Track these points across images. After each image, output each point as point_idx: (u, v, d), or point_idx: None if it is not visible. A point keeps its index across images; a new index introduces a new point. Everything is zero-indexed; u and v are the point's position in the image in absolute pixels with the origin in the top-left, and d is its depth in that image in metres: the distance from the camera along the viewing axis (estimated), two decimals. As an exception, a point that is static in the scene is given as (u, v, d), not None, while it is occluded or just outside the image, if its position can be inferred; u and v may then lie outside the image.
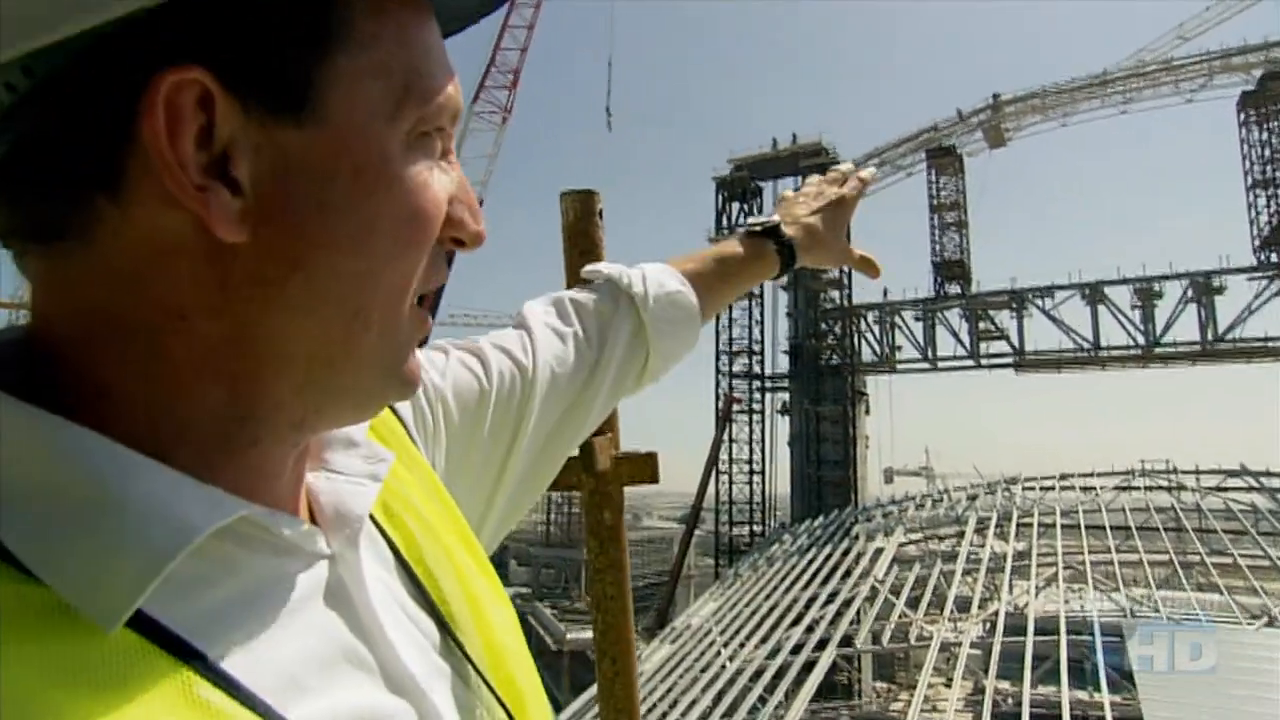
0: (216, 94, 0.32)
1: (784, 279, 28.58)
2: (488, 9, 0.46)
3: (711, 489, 28.29)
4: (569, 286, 0.75)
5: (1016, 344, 25.60)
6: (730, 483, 28.62)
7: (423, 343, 0.44)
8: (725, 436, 28.45)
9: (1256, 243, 23.85)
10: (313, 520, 0.43)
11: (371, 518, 0.46)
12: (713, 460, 28.10)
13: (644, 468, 0.69)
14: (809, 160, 28.08)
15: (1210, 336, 23.42)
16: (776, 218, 0.91)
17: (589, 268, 0.81)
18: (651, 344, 0.80)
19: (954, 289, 26.94)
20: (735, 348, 29.07)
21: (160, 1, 0.30)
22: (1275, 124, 23.88)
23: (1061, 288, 25.09)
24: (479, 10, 0.45)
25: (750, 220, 0.91)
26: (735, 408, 28.54)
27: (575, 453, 0.70)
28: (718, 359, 29.11)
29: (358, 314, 0.37)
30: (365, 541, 0.43)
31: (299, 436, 0.40)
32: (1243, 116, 24.74)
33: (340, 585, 0.41)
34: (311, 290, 0.36)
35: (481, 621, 0.49)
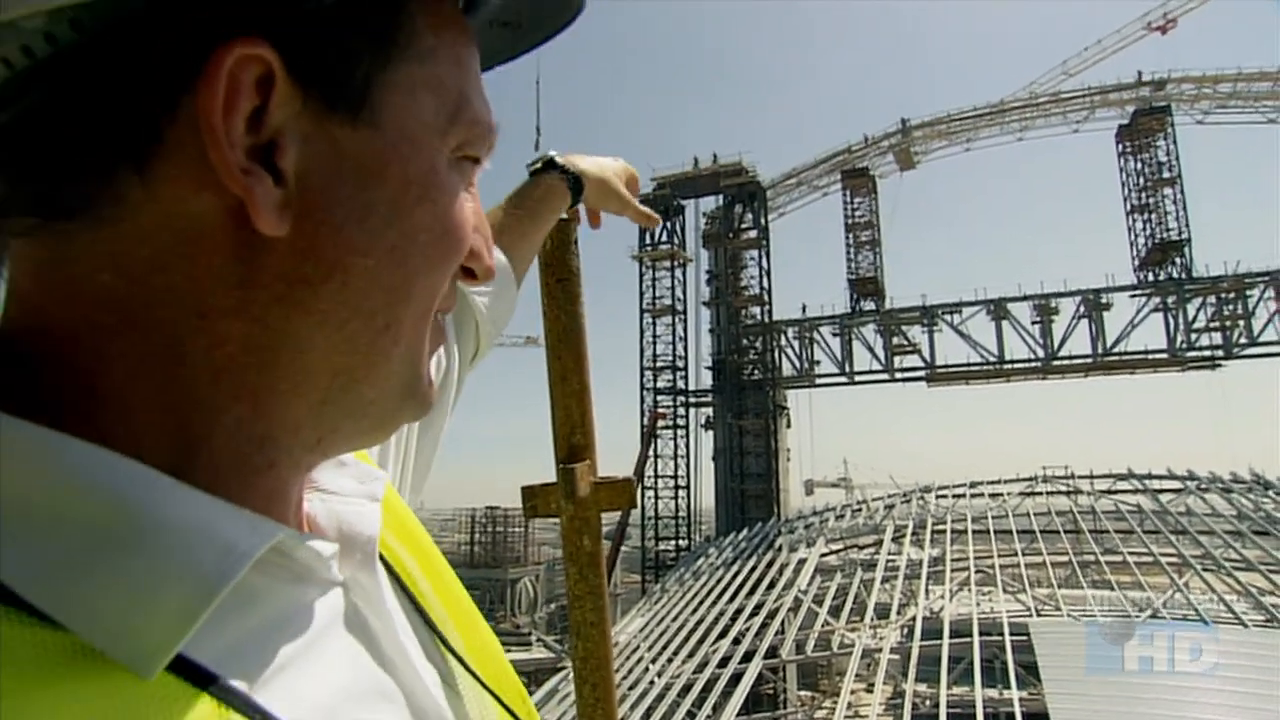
0: (279, 76, 0.30)
1: (706, 295, 29.07)
2: (503, 58, 0.47)
3: (637, 504, 28.31)
4: (546, 313, 0.75)
5: (928, 358, 26.79)
6: (656, 498, 28.70)
7: None
8: (650, 452, 28.56)
9: (1136, 263, 25.84)
10: None
11: None
12: (638, 476, 28.15)
13: (622, 493, 0.70)
14: (730, 179, 28.73)
15: (1100, 350, 25.16)
16: (552, 153, 0.91)
17: None
18: (479, 315, 0.82)
19: (869, 305, 28.00)
20: (659, 364, 29.30)
21: None
22: (1147, 155, 25.99)
23: (969, 304, 26.46)
24: (496, 57, 0.46)
25: (528, 164, 0.92)
26: (660, 423, 28.71)
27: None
28: (642, 375, 29.26)
29: (388, 328, 0.35)
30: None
31: (314, 460, 0.38)
32: (1120, 147, 26.83)
33: (356, 612, 0.38)
34: (345, 299, 0.33)
35: (476, 638, 0.48)
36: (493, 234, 0.81)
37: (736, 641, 14.70)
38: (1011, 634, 12.76)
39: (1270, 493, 18.82)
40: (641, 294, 29.56)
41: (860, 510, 23.39)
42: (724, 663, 13.91)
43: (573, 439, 0.72)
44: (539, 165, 0.90)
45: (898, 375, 27.19)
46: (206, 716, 0.27)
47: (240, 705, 0.28)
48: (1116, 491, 21.37)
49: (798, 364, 28.16)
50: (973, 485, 23.19)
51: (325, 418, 0.35)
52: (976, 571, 16.35)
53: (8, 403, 0.28)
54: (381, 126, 0.33)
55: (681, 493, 28.69)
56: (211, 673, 0.28)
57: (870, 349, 27.38)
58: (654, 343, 29.33)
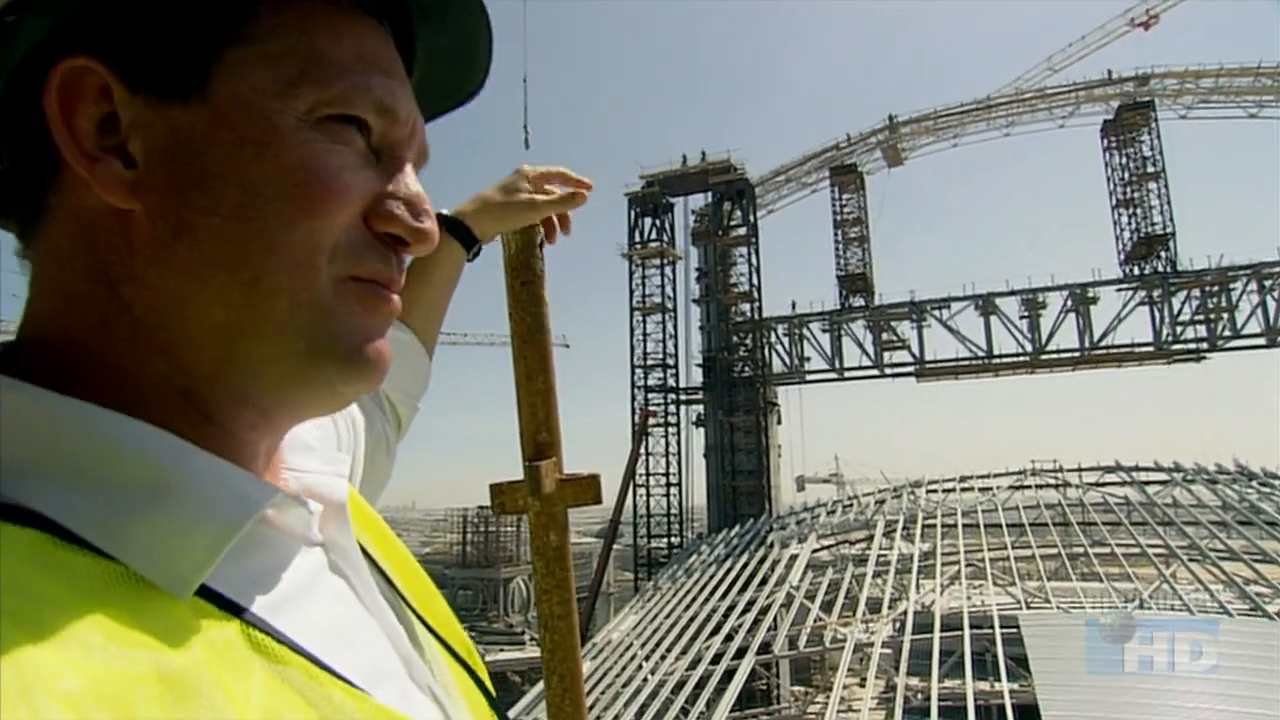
0: (111, 81, 0.37)
1: (696, 293, 29.11)
2: (464, 95, 0.52)
3: (629, 502, 28.33)
4: (511, 315, 0.77)
5: (917, 353, 26.92)
6: (648, 495, 28.72)
7: None
8: (642, 450, 28.58)
9: (1121, 257, 26.04)
10: None
11: None
12: (630, 474, 28.14)
13: (588, 489, 0.71)
14: (718, 177, 28.77)
15: (1087, 343, 25.34)
16: (441, 211, 0.89)
17: None
18: (385, 387, 0.83)
19: (858, 301, 28.10)
20: (650, 362, 29.32)
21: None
22: (1132, 150, 26.20)
23: (957, 299, 26.58)
24: (455, 96, 0.52)
25: None
26: (651, 421, 28.74)
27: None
28: (633, 373, 29.28)
29: (257, 280, 0.38)
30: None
31: (262, 420, 0.42)
32: (1105, 143, 27.03)
33: (336, 567, 0.45)
34: (199, 255, 0.37)
35: (428, 597, 0.55)
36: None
37: (729, 638, 14.75)
38: (1002, 627, 12.87)
39: (1254, 483, 19.05)
40: (631, 292, 29.59)
41: (851, 506, 23.50)
42: (717, 659, 13.96)
43: (539, 437, 0.74)
44: None
45: (887, 371, 27.31)
46: (231, 631, 0.34)
47: (257, 622, 0.36)
48: (1104, 484, 21.56)
49: (788, 360, 28.25)
50: (962, 479, 23.33)
51: (234, 371, 0.39)
52: (967, 565, 16.47)
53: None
54: (211, 100, 0.38)
55: (673, 490, 28.75)
56: (232, 599, 0.36)
57: (860, 345, 27.50)
58: (644, 341, 29.37)
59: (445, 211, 0.88)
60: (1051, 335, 25.69)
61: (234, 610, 0.35)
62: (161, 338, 0.38)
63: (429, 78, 0.49)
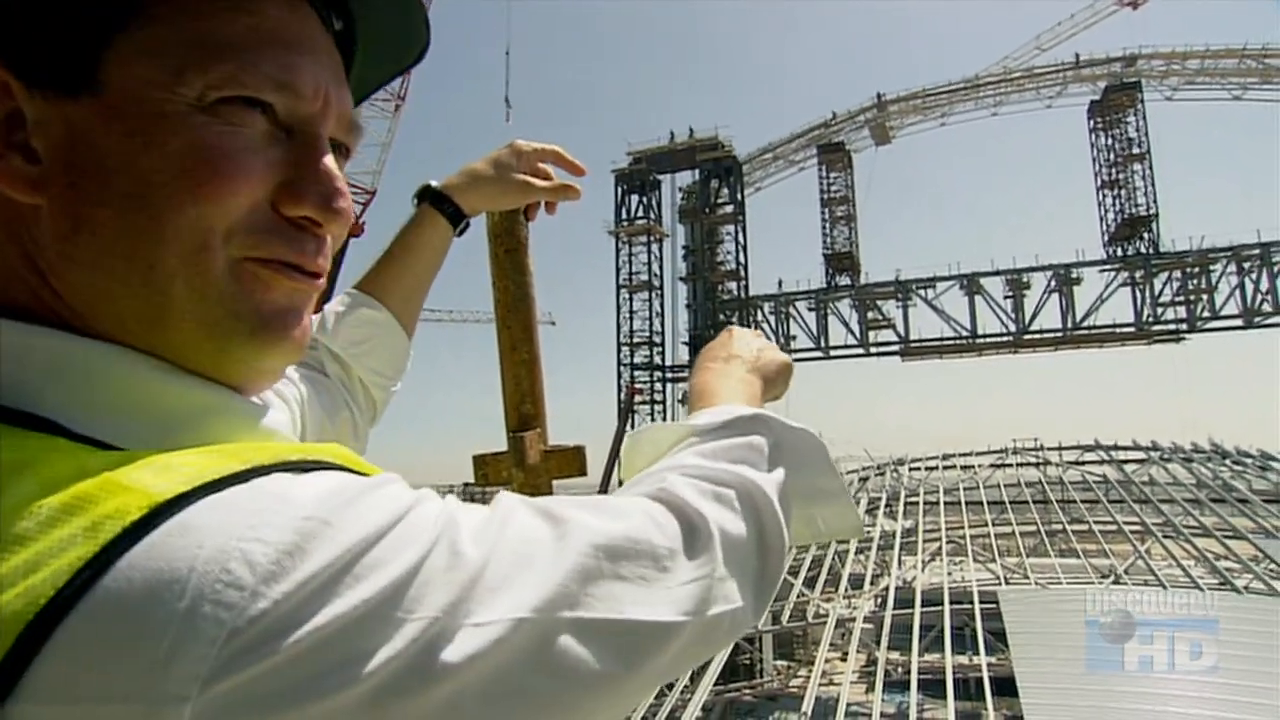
0: (10, 81, 0.38)
1: (682, 271, 29.06)
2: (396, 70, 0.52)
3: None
4: (495, 283, 0.75)
5: (902, 332, 27.06)
6: (634, 473, 28.82)
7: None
8: (627, 427, 28.61)
9: (1105, 238, 26.22)
10: None
11: None
12: (615, 452, 28.19)
13: (572, 461, 0.71)
14: (706, 154, 28.58)
15: (1070, 324, 25.57)
16: (430, 182, 0.88)
17: None
18: (356, 368, 0.80)
19: (844, 280, 28.15)
20: (636, 339, 29.28)
21: None
22: (1117, 131, 26.27)
23: (942, 279, 26.70)
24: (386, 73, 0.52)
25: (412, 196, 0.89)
26: (637, 398, 28.77)
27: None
28: (619, 350, 29.25)
29: (152, 267, 0.39)
30: None
31: None
32: (1091, 123, 27.08)
33: None
34: (98, 246, 0.38)
35: None
36: (369, 280, 0.84)
37: (713, 613, 14.86)
38: (981, 602, 13.07)
39: (1227, 462, 19.38)
40: (618, 269, 29.47)
41: (835, 483, 23.64)
42: (701, 634, 14.06)
43: (523, 408, 0.73)
44: (415, 198, 0.87)
45: (872, 350, 27.46)
46: None
47: None
48: (1084, 462, 21.86)
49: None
50: (945, 458, 23.58)
51: (161, 356, 0.41)
52: (948, 542, 16.69)
53: None
54: (103, 95, 0.38)
55: (659, 468, 28.80)
56: None
57: (845, 324, 27.60)
58: (631, 318, 29.31)
59: (433, 184, 0.86)
60: (1035, 315, 25.91)
61: None
62: (96, 327, 0.39)
63: (374, 44, 0.49)
